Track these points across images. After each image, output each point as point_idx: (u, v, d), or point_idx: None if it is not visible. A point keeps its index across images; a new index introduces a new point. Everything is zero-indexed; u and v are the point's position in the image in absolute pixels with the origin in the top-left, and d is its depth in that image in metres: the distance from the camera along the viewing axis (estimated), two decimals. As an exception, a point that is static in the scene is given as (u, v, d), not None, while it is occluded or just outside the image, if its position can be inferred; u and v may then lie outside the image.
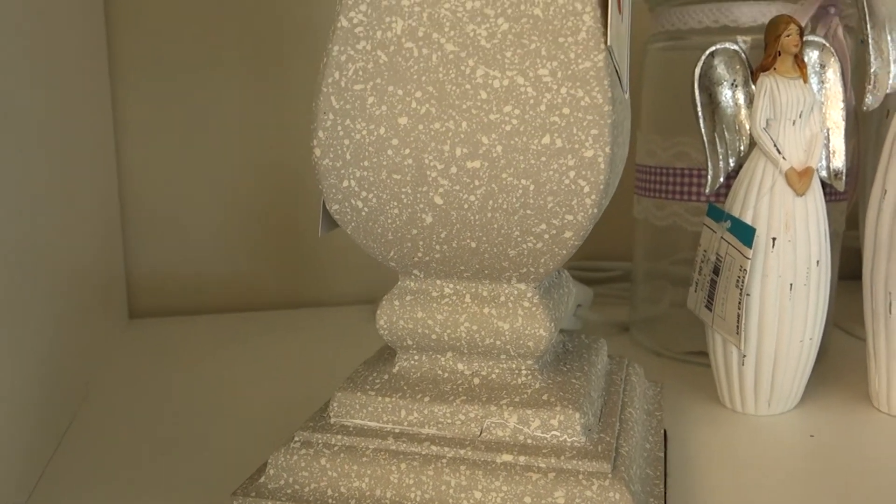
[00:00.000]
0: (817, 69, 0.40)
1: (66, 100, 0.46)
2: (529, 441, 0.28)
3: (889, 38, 0.38)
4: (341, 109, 0.27)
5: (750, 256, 0.37)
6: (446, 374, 0.30)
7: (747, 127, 0.40)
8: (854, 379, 0.45)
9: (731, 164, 0.41)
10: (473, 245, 0.28)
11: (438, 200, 0.27)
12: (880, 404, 0.41)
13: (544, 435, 0.28)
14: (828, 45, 0.40)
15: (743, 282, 0.38)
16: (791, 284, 0.38)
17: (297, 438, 0.29)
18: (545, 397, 0.29)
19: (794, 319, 0.39)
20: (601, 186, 0.26)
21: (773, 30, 0.38)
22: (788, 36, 0.37)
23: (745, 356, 0.40)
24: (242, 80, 0.62)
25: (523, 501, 0.26)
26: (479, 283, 0.30)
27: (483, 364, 0.30)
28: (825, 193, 0.40)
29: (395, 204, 0.28)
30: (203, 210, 0.63)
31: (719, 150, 0.41)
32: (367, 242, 0.29)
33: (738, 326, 0.38)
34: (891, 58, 0.38)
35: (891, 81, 0.39)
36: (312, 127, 0.28)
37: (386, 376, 0.31)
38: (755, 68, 0.39)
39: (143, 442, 0.39)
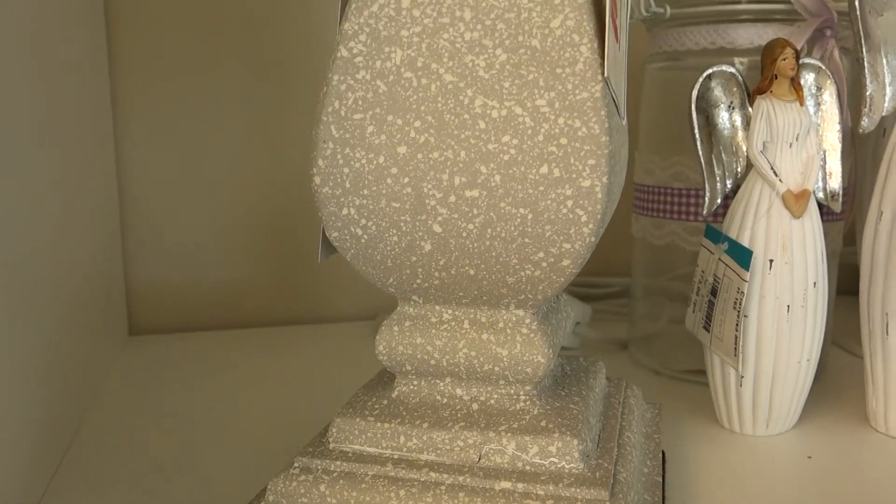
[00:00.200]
0: (813, 91, 0.40)
1: (65, 129, 0.46)
2: (528, 468, 0.28)
3: (884, 61, 0.39)
4: (341, 138, 0.28)
5: (747, 279, 0.37)
6: (445, 400, 0.30)
7: (744, 149, 0.41)
8: (852, 397, 0.45)
9: (729, 186, 0.41)
10: (472, 272, 0.28)
11: (437, 228, 0.28)
12: (878, 424, 0.41)
13: (543, 462, 0.28)
14: (824, 67, 0.40)
15: (740, 304, 0.38)
16: (788, 306, 0.39)
17: (296, 464, 0.29)
18: (543, 423, 0.29)
19: (791, 341, 0.39)
20: (598, 216, 0.26)
21: (769, 53, 0.38)
22: (785, 59, 0.38)
23: (743, 377, 0.40)
24: (245, 99, 0.62)
25: (522, 529, 0.26)
26: (477, 310, 0.30)
27: (482, 389, 0.30)
28: (822, 213, 0.40)
29: (395, 232, 0.28)
30: (203, 227, 0.63)
31: (716, 171, 0.41)
32: (366, 269, 0.30)
33: (735, 348, 0.39)
34: (886, 81, 0.39)
35: (886, 104, 0.39)
36: (312, 155, 0.28)
37: (385, 401, 0.31)
38: (752, 91, 0.40)
39: (142, 464, 0.39)
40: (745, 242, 0.38)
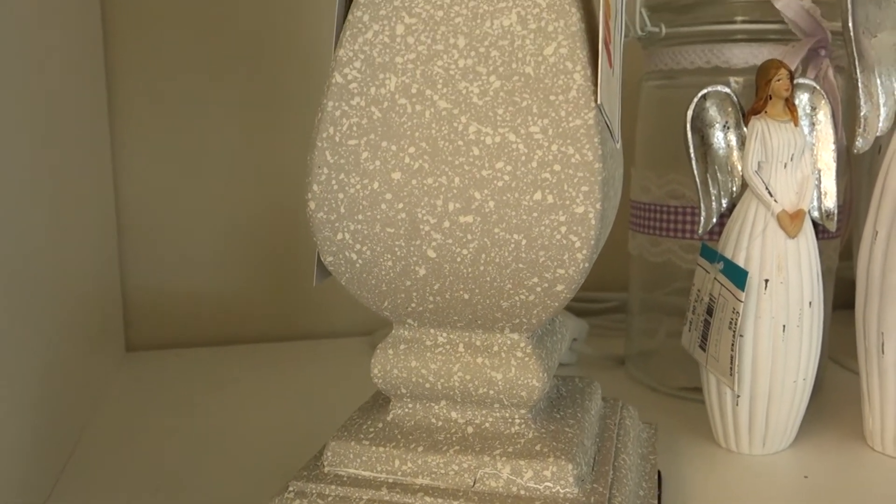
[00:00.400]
0: (808, 111, 0.40)
1: (64, 150, 0.46)
2: (523, 492, 0.28)
3: (878, 81, 0.39)
4: (335, 164, 0.28)
5: (742, 299, 0.38)
6: (440, 423, 0.30)
7: (739, 168, 0.41)
8: (849, 415, 0.45)
9: (724, 205, 0.41)
10: (466, 297, 0.28)
11: (431, 254, 0.28)
12: (874, 443, 0.41)
13: (537, 486, 0.28)
14: (818, 87, 0.40)
15: (736, 324, 0.38)
16: (784, 326, 0.39)
17: (291, 488, 0.29)
18: (538, 447, 0.29)
19: (787, 360, 0.39)
20: (592, 242, 0.26)
21: (763, 74, 0.38)
22: (779, 80, 0.38)
23: (739, 396, 0.40)
24: (244, 109, 0.62)
25: (516, 555, 0.26)
26: (472, 333, 0.30)
27: (477, 413, 0.30)
28: (817, 232, 0.40)
29: (389, 256, 0.28)
30: (201, 242, 0.63)
31: (712, 191, 0.41)
32: (361, 293, 0.30)
33: (731, 368, 0.39)
34: (880, 101, 0.39)
35: (880, 125, 0.39)
36: (307, 180, 0.28)
37: (380, 424, 0.31)
38: (747, 111, 0.40)
39: (139, 485, 0.39)
40: (740, 262, 0.38)
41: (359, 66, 0.27)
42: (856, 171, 0.50)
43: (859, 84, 0.38)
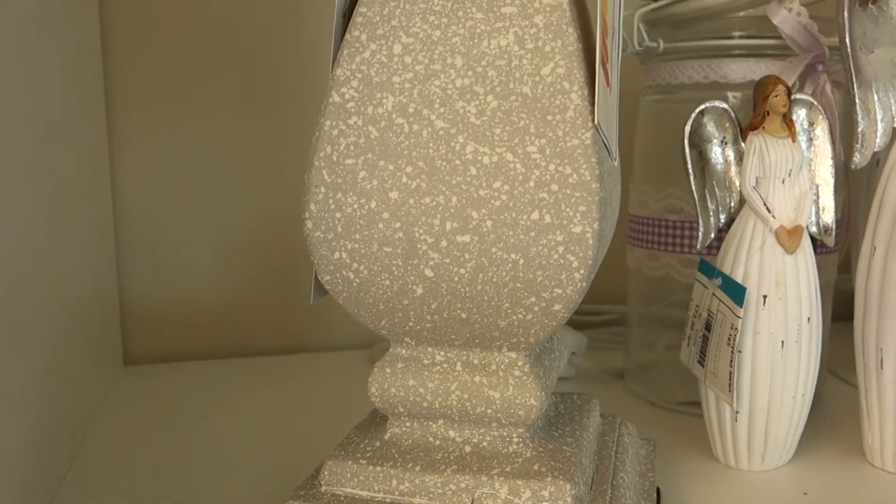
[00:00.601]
0: (806, 127, 0.41)
1: (61, 162, 0.46)
2: (520, 512, 0.28)
3: (875, 97, 0.39)
4: (333, 183, 0.28)
5: (741, 315, 0.37)
6: (438, 442, 0.30)
7: (737, 184, 0.41)
8: (848, 429, 0.45)
9: (722, 220, 0.41)
10: (464, 316, 0.28)
11: (429, 273, 0.28)
12: (874, 459, 0.41)
13: (535, 506, 0.28)
14: (816, 103, 0.40)
15: (734, 340, 0.38)
16: (782, 342, 0.39)
17: (288, 508, 0.29)
18: (536, 467, 0.29)
19: (786, 376, 0.39)
20: (589, 261, 0.26)
21: (760, 90, 0.38)
22: (776, 97, 0.38)
23: (737, 412, 0.40)
24: (240, 126, 0.62)
25: (514, 576, 0.26)
26: (470, 352, 0.30)
27: (474, 431, 0.30)
28: (815, 247, 0.40)
29: (387, 276, 0.28)
30: (200, 255, 0.63)
31: (710, 206, 0.41)
32: (358, 312, 0.30)
33: (730, 384, 0.39)
34: (878, 116, 0.39)
35: (878, 140, 0.39)
36: (304, 199, 0.28)
37: (378, 443, 0.31)
38: (744, 126, 0.40)
39: (137, 499, 0.38)
40: (738, 278, 0.38)
41: (356, 86, 0.27)
42: (854, 186, 0.50)
43: (856, 99, 0.38)
